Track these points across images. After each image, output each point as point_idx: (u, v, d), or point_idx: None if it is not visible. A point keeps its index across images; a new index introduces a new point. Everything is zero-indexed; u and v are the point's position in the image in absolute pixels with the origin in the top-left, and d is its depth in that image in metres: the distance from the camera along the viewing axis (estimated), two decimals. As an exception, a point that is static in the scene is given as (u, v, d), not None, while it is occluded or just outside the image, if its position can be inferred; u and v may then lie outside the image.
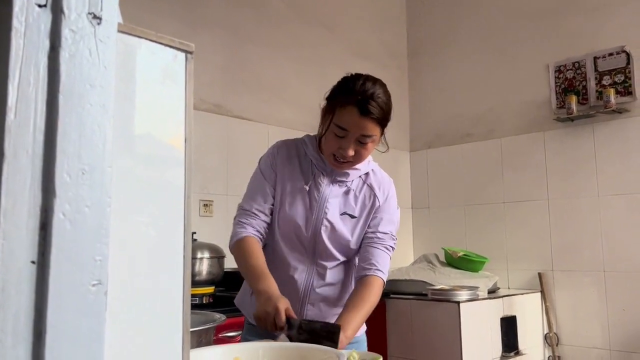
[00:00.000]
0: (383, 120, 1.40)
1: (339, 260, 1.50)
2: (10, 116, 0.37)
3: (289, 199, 1.46)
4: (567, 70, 3.36)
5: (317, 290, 1.47)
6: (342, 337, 1.23)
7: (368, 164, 1.52)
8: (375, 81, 1.42)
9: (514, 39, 3.62)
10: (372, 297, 1.39)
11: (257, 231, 1.45)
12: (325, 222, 1.45)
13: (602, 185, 3.19)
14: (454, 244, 3.65)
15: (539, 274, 3.35)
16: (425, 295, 2.94)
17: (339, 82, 1.46)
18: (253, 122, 3.10)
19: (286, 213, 1.45)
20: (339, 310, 1.45)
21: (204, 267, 2.42)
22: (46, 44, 0.39)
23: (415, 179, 4.06)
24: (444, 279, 3.13)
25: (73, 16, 0.40)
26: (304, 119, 3.36)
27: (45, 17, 0.39)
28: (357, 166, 1.48)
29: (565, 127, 3.34)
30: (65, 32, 0.40)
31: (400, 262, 3.79)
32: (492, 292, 3.16)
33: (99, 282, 0.41)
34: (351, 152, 1.39)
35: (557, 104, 3.38)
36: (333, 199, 1.47)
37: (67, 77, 0.40)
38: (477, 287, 2.95)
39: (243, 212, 1.47)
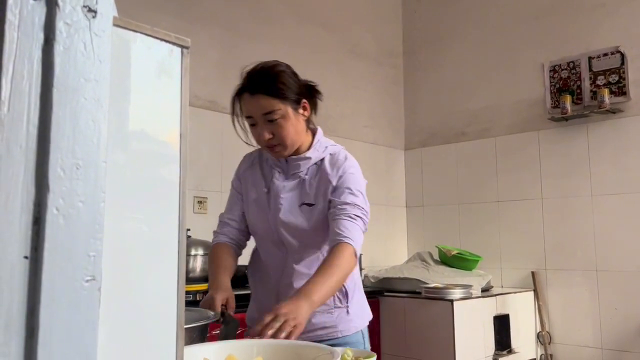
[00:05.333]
0: (279, 93, 1.39)
1: (310, 252, 1.49)
2: (3, 110, 0.37)
3: (252, 204, 1.54)
4: (562, 69, 3.37)
5: (295, 285, 1.46)
6: (305, 303, 1.19)
7: (324, 150, 1.51)
8: (268, 62, 1.45)
9: (509, 38, 3.63)
10: (341, 262, 1.33)
11: (229, 238, 1.55)
12: (281, 218, 1.46)
13: (595, 185, 3.20)
14: (448, 242, 3.66)
15: (532, 273, 3.36)
16: (419, 293, 2.95)
17: None
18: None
19: (250, 218, 1.54)
20: (319, 310, 1.43)
21: (197, 264, 2.41)
22: (40, 36, 0.39)
23: (409, 177, 4.07)
24: (437, 277, 3.14)
25: (68, 9, 0.40)
26: (299, 117, 3.36)
27: (40, 9, 0.39)
28: (308, 154, 1.48)
29: (560, 127, 3.36)
30: (60, 25, 0.40)
31: (394, 260, 3.80)
32: (486, 291, 3.17)
33: (92, 277, 0.40)
34: (267, 135, 1.40)
35: (552, 104, 3.40)
36: (286, 193, 1.48)
37: (61, 71, 0.40)
38: (470, 286, 2.96)
39: (219, 222, 1.60)
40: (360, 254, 3.23)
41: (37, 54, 0.39)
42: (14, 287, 0.37)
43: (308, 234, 1.46)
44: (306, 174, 1.49)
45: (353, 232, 1.39)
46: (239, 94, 1.44)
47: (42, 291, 0.38)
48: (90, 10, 0.41)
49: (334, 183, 1.45)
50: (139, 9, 2.61)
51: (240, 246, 1.59)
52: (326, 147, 1.52)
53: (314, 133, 1.54)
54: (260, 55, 3.31)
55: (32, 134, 0.38)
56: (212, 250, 1.55)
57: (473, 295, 2.93)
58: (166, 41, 0.49)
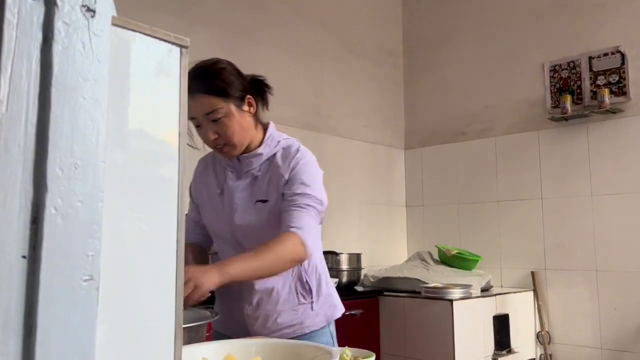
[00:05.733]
0: (217, 91, 1.36)
1: None
2: (1, 109, 0.37)
3: (207, 207, 1.52)
4: (562, 69, 3.37)
5: (256, 287, 1.44)
6: (216, 272, 1.17)
7: (276, 145, 1.48)
8: (203, 61, 1.40)
9: (510, 38, 3.63)
10: (276, 248, 1.28)
11: (194, 237, 1.58)
12: (236, 219, 1.44)
13: (595, 185, 3.20)
14: (448, 242, 3.66)
15: (532, 273, 3.36)
16: (419, 293, 2.95)
17: None
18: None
19: (206, 221, 1.54)
20: (283, 308, 1.43)
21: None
22: (39, 36, 0.39)
23: (409, 177, 4.07)
24: (437, 276, 3.14)
25: (66, 8, 0.40)
26: (299, 116, 3.35)
27: (38, 9, 0.39)
28: (260, 150, 1.45)
29: (560, 127, 3.35)
30: (59, 25, 0.40)
31: (393, 260, 3.80)
32: (485, 291, 3.18)
33: (90, 277, 0.40)
34: (212, 136, 1.38)
35: (552, 104, 3.39)
36: (240, 193, 1.46)
37: (59, 70, 0.40)
38: (470, 285, 2.96)
39: (185, 224, 1.62)
40: (360, 254, 3.26)
41: (36, 54, 0.39)
42: (12, 286, 0.37)
43: (265, 231, 1.41)
44: (259, 171, 1.46)
45: (301, 221, 1.34)
46: None
47: (40, 290, 0.38)
48: (88, 9, 0.41)
49: (286, 176, 1.42)
50: (138, 8, 2.61)
51: (207, 242, 1.61)
52: (279, 141, 1.49)
53: (265, 129, 1.51)
54: (260, 55, 3.32)
55: (31, 133, 0.38)
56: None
57: (473, 295, 2.93)
58: (165, 41, 0.49)
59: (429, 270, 3.26)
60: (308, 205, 1.37)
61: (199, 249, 1.57)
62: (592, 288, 3.17)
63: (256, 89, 1.50)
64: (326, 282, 1.54)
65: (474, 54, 3.79)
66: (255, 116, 1.49)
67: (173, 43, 0.50)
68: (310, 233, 1.34)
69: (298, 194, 1.38)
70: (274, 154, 1.47)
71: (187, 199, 1.66)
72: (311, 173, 1.43)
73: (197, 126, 1.39)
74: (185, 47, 0.50)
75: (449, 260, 3.38)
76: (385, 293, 3.08)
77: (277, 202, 1.41)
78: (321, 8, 3.62)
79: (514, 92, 3.58)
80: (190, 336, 0.96)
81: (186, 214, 1.60)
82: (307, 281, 1.47)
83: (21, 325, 0.37)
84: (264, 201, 1.43)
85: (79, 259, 0.40)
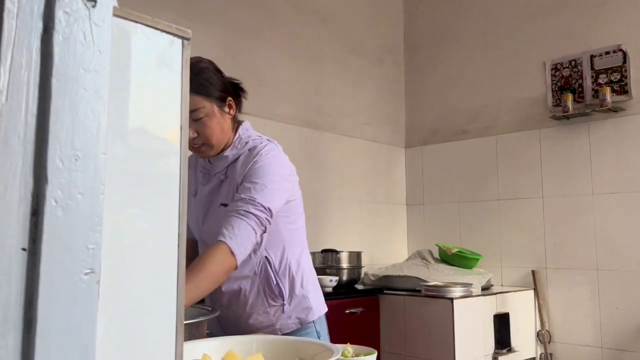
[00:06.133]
0: (201, 91, 1.34)
1: None
2: (1, 99, 0.36)
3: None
4: (564, 68, 3.37)
5: (223, 289, 1.42)
6: None
7: (243, 147, 1.44)
8: (190, 59, 1.40)
9: (511, 36, 3.62)
10: (206, 264, 1.22)
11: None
12: (203, 221, 1.44)
13: (596, 183, 3.19)
14: (448, 240, 3.66)
15: (533, 272, 3.36)
16: (419, 291, 2.94)
17: None
18: (248, 116, 3.08)
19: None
20: (253, 310, 1.42)
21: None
22: (39, 25, 0.38)
23: (410, 175, 4.06)
24: (437, 275, 3.14)
25: (67, -2, 0.39)
26: (299, 114, 3.35)
27: (39, -2, 0.38)
28: (226, 153, 1.43)
29: (561, 125, 3.35)
30: (59, 14, 0.39)
31: (394, 258, 3.79)
32: (486, 289, 3.17)
33: (91, 270, 0.40)
34: (191, 134, 1.35)
35: (553, 102, 3.39)
36: (208, 196, 1.45)
37: (60, 61, 0.39)
38: (470, 284, 2.96)
39: None
40: (360, 252, 3.25)
41: (36, 43, 0.38)
42: (11, 279, 0.36)
43: None
44: (224, 174, 1.43)
45: (236, 229, 1.27)
46: None
47: (40, 284, 0.37)
48: (90, -1, 0.41)
49: (239, 180, 1.38)
50: (138, 4, 2.61)
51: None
52: (247, 142, 1.45)
53: (237, 130, 1.49)
54: (261, 53, 3.31)
55: (31, 124, 0.38)
56: None
57: (473, 294, 2.93)
58: (167, 32, 0.49)
59: (430, 269, 3.26)
60: (248, 212, 1.29)
61: (190, 243, 1.54)
62: (593, 287, 3.16)
63: (235, 92, 1.48)
64: (302, 284, 1.48)
65: (475, 53, 3.78)
66: (234, 119, 1.47)
67: (175, 35, 0.49)
68: (240, 242, 1.26)
69: (242, 198, 1.32)
70: (239, 157, 1.43)
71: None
72: (265, 176, 1.35)
73: None
74: (187, 39, 0.50)
75: (449, 258, 3.38)
76: (385, 291, 3.07)
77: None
78: (322, 6, 3.61)
79: (515, 91, 3.57)
80: (191, 332, 0.96)
81: None
82: (277, 283, 1.44)
83: (21, 318, 0.37)
84: (226, 205, 1.39)
85: (79, 252, 0.39)
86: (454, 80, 3.87)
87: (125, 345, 0.45)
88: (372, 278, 3.24)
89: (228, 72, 3.05)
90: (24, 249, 0.37)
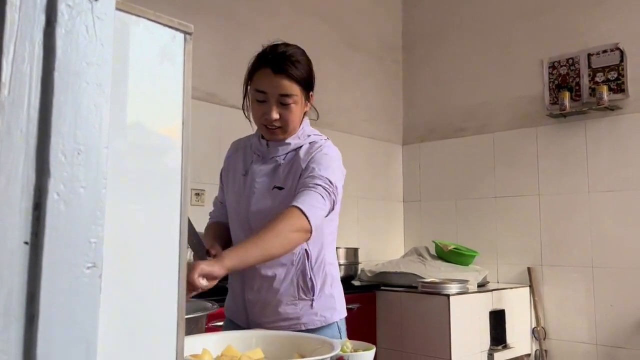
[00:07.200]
0: (301, 80, 1.41)
1: None
2: (3, 92, 0.36)
3: (230, 188, 1.56)
4: (561, 66, 3.37)
5: (262, 272, 1.44)
6: (218, 266, 1.13)
7: (306, 138, 1.50)
8: (291, 45, 1.48)
9: (509, 34, 3.62)
10: (277, 224, 1.26)
11: (219, 216, 1.62)
12: (252, 202, 1.47)
13: (592, 181, 3.21)
14: (445, 237, 3.66)
15: (528, 269, 3.37)
16: (416, 287, 2.95)
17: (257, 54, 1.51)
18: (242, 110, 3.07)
19: (227, 201, 1.58)
20: (283, 299, 1.43)
21: (194, 256, 2.40)
22: (42, 18, 0.38)
23: (407, 172, 4.06)
24: (434, 272, 3.14)
25: (70, -9, 0.39)
26: (297, 110, 3.34)
27: (42, -9, 0.38)
28: (288, 141, 1.48)
29: (558, 123, 3.35)
30: (62, 7, 0.39)
31: (390, 255, 3.80)
32: (482, 286, 3.18)
33: (93, 264, 0.40)
34: (275, 115, 1.41)
35: (550, 100, 3.39)
36: (261, 177, 1.48)
37: (62, 54, 0.39)
38: (467, 281, 2.97)
39: (213, 205, 1.67)
40: (357, 248, 3.26)
41: (39, 37, 0.38)
42: (13, 273, 0.36)
43: (272, 215, 1.40)
44: (283, 159, 1.49)
45: (307, 198, 1.32)
46: (258, 67, 1.44)
47: (42, 277, 0.37)
48: (92, -8, 0.40)
49: (303, 166, 1.43)
50: (137, -1, 2.59)
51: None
52: (309, 135, 1.52)
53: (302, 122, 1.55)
54: (259, 47, 3.29)
55: (33, 118, 0.38)
56: (206, 229, 1.60)
57: (469, 291, 2.93)
58: (169, 27, 0.48)
59: (426, 265, 3.26)
60: (316, 184, 1.36)
61: (223, 227, 1.58)
62: (588, 284, 3.18)
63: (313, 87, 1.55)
64: (331, 283, 1.53)
65: (473, 50, 3.78)
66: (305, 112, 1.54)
67: (177, 29, 0.49)
68: (314, 208, 1.31)
69: (309, 176, 1.39)
70: (301, 146, 1.49)
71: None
72: (327, 162, 1.43)
73: (261, 101, 1.42)
74: (189, 34, 0.50)
75: (445, 255, 3.38)
76: (382, 288, 3.08)
77: (290, 190, 1.43)
78: (322, 1, 3.60)
79: (512, 89, 3.58)
80: (190, 327, 0.96)
81: (215, 197, 1.67)
82: (311, 277, 1.46)
83: (23, 312, 0.37)
84: (280, 188, 1.45)
85: (81, 246, 0.39)
86: (451, 78, 3.88)
87: (126, 339, 0.45)
88: (369, 274, 3.24)
89: (227, 66, 3.05)
90: (26, 243, 0.37)
